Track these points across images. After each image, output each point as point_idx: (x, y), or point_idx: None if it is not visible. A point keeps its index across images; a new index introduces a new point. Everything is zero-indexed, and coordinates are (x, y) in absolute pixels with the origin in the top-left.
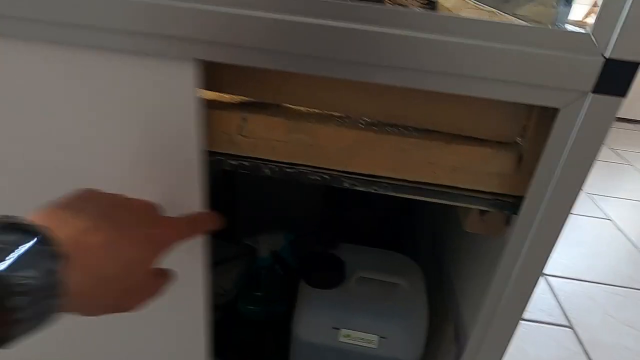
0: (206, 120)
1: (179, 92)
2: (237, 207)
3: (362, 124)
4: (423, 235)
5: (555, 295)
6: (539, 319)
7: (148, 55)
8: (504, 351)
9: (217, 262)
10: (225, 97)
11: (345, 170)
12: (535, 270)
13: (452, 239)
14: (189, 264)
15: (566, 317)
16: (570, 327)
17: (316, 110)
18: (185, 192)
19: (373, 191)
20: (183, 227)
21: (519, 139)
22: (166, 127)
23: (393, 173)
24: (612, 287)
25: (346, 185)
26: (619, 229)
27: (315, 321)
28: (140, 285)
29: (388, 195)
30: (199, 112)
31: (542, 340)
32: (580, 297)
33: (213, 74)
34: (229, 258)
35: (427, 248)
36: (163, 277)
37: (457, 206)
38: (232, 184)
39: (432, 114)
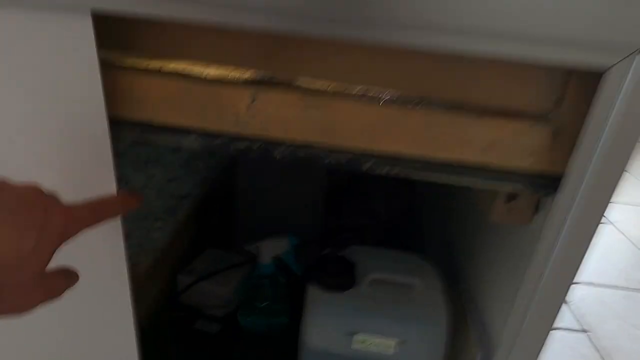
0: (116, 85)
1: (77, 52)
2: (236, 216)
3: (384, 99)
4: (432, 238)
5: (565, 300)
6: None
7: (39, 8)
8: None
9: (215, 271)
10: (233, 73)
11: (365, 151)
12: (573, 262)
13: (467, 237)
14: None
15: (579, 322)
16: (585, 333)
17: (334, 87)
18: (94, 171)
19: (395, 174)
20: (84, 213)
21: (554, 112)
22: (67, 95)
23: (418, 153)
24: (623, 290)
25: (366, 167)
26: (622, 233)
27: (327, 327)
28: (30, 284)
29: (392, 199)
30: (104, 76)
31: (558, 347)
32: (592, 302)
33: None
34: (228, 267)
35: (436, 249)
36: (61, 276)
37: (481, 195)
38: (231, 192)
39: (460, 85)
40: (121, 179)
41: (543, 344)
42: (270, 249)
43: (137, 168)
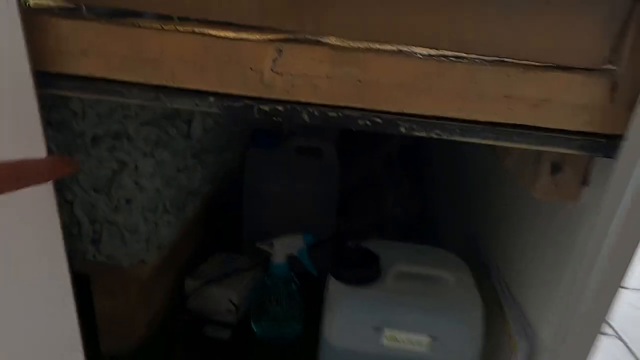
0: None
1: None
2: (244, 219)
3: (421, 55)
4: (450, 235)
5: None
6: None
7: None
8: None
9: (225, 275)
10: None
11: (402, 111)
12: (632, 243)
13: (496, 227)
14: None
15: (610, 326)
16: (618, 337)
17: (366, 44)
18: (18, 132)
19: (435, 136)
20: (2, 172)
21: (610, 64)
22: None
23: (460, 112)
24: None
25: (403, 130)
26: None
27: (352, 323)
28: None
29: (406, 200)
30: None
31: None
32: (621, 305)
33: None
34: (239, 270)
35: (456, 246)
36: None
37: (522, 168)
38: (240, 193)
39: (505, 36)
40: (128, 164)
41: (595, 339)
42: (285, 247)
43: (146, 152)
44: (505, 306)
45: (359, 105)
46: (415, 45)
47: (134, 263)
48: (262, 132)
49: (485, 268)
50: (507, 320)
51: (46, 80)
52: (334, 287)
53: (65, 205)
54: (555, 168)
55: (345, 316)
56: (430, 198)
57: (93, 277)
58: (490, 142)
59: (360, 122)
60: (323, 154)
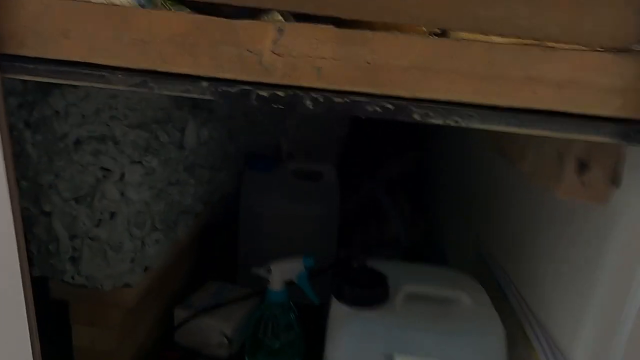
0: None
1: None
2: (240, 248)
3: (435, 34)
4: (458, 255)
5: None
6: None
7: None
8: None
9: (217, 305)
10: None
11: (415, 96)
12: None
13: (511, 242)
14: None
15: None
16: None
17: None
18: None
19: (453, 123)
20: None
21: (636, 45)
22: None
23: (479, 97)
24: None
25: (417, 117)
26: None
27: (358, 349)
28: None
29: (411, 226)
30: None
31: None
32: None
33: None
34: (233, 300)
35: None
36: None
37: (544, 167)
38: (235, 218)
39: (523, 13)
40: (113, 171)
41: None
42: (283, 272)
43: (133, 159)
44: (528, 330)
45: (367, 90)
46: (428, 24)
47: (117, 286)
48: (257, 155)
49: (500, 289)
50: (532, 345)
51: (16, 63)
52: (337, 310)
53: (42, 218)
54: (582, 166)
55: (351, 342)
56: (434, 222)
57: (72, 303)
58: (513, 130)
59: (370, 108)
60: (323, 177)
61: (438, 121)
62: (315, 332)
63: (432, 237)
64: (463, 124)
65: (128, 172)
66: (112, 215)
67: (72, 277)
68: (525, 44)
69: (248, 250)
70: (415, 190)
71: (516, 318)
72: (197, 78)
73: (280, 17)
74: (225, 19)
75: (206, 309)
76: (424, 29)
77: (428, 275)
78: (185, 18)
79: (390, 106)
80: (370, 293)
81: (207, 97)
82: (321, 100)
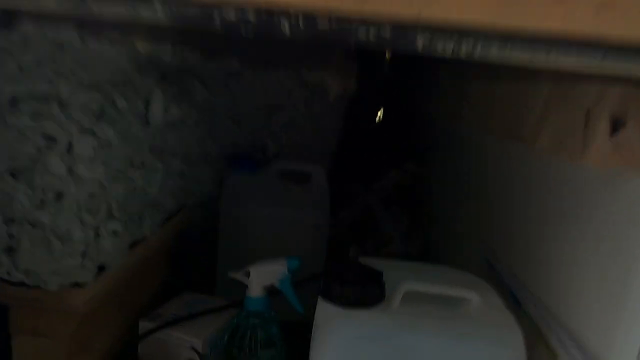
0: None
1: None
2: (219, 256)
3: None
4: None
5: None
6: None
7: None
8: None
9: (190, 316)
10: None
11: (419, 20)
12: None
13: (521, 239)
14: None
15: None
16: None
17: None
18: None
19: (466, 52)
20: None
21: None
22: None
23: (496, 18)
24: None
25: (421, 44)
26: None
27: (350, 354)
28: None
29: (409, 240)
30: None
31: None
32: None
33: None
34: (206, 311)
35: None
36: None
37: (567, 137)
38: (214, 229)
39: None
40: (58, 140)
41: None
42: (263, 276)
43: (84, 126)
44: (547, 333)
45: (357, 13)
46: None
47: (64, 285)
48: (241, 156)
49: (512, 296)
50: (555, 352)
51: None
52: (325, 311)
53: None
54: (617, 125)
55: (341, 348)
56: (435, 237)
57: (10, 306)
58: (539, 62)
59: (361, 35)
60: (312, 179)
61: (448, 48)
62: (301, 345)
63: (432, 252)
64: (478, 51)
65: (77, 142)
66: (58, 196)
67: (8, 273)
68: None
69: (228, 259)
70: (412, 204)
71: (530, 321)
72: None
73: None
74: None
75: (176, 321)
76: None
77: (430, 273)
78: None
79: (386, 33)
80: (363, 291)
81: (161, 20)
82: (301, 25)
